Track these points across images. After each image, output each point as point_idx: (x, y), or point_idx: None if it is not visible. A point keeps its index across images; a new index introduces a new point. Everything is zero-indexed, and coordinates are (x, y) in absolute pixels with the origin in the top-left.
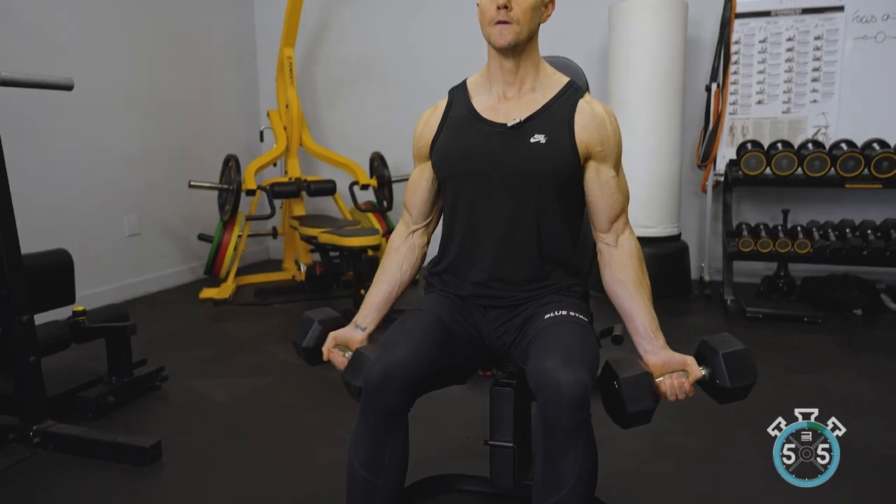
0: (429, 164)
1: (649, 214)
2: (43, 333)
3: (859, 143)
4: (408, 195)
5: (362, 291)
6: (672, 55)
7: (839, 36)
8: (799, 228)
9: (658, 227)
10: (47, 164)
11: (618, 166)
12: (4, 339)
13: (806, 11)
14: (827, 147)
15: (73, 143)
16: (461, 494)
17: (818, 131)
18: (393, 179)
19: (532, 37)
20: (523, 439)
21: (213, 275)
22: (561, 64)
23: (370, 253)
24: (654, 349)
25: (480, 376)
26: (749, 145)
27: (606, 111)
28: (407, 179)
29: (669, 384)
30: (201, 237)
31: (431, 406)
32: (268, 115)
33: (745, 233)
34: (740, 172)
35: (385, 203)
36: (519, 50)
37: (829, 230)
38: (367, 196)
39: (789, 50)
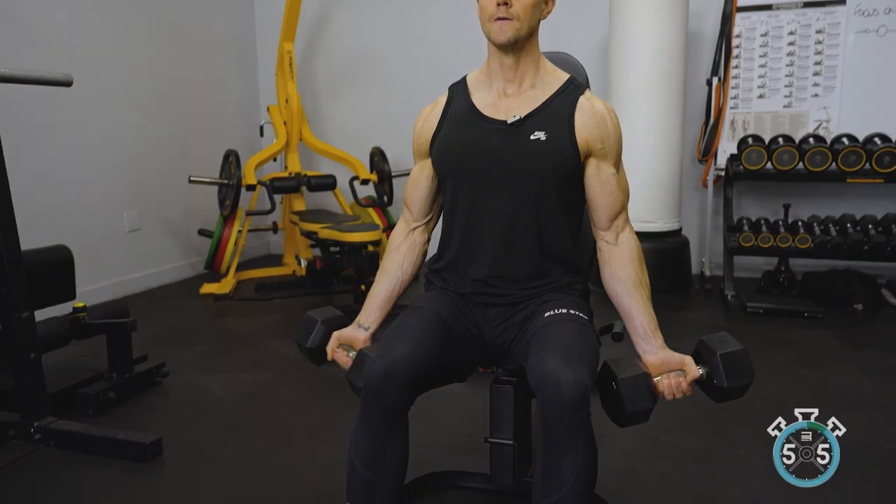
0: (429, 161)
1: (650, 209)
2: (43, 330)
3: (861, 138)
4: (408, 192)
5: (363, 287)
6: (673, 49)
7: (841, 29)
8: (800, 223)
9: (659, 222)
10: (47, 159)
11: (618, 163)
12: (5, 336)
13: (807, 5)
14: (828, 141)
15: (73, 138)
16: (461, 491)
17: (819, 125)
18: (393, 174)
19: (532, 33)
20: (523, 436)
21: (213, 270)
22: (561, 59)
23: (370, 248)
24: (652, 349)
25: (481, 373)
26: (750, 140)
27: (607, 108)
28: (407, 174)
29: (667, 384)
30: (201, 232)
31: (432, 403)
32: (268, 109)
33: (745, 228)
34: (741, 167)
35: (385, 198)
36: (519, 46)
37: (830, 225)
38: (368, 191)
39: (791, 44)
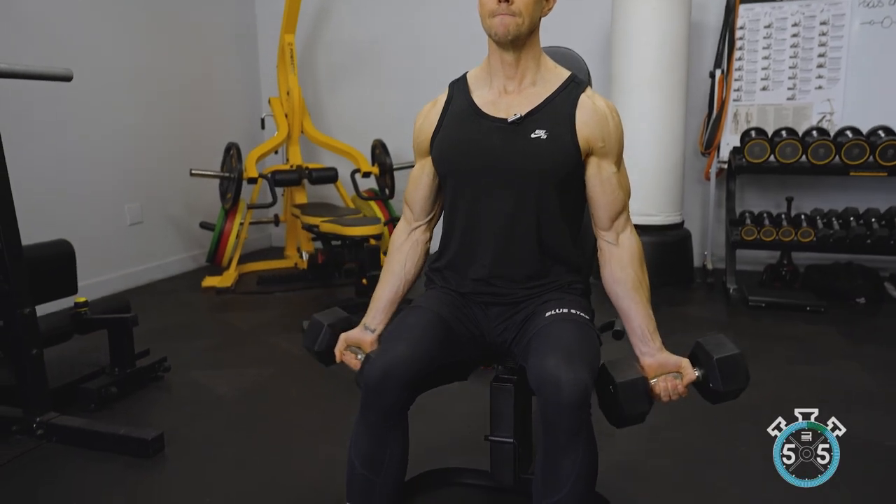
0: (429, 160)
1: (652, 202)
2: (45, 325)
3: (864, 130)
4: (409, 191)
5: (364, 281)
6: (676, 41)
7: (845, 21)
8: (803, 217)
9: (661, 215)
10: (48, 154)
11: (619, 162)
12: (6, 333)
13: None
14: (832, 134)
15: (74, 132)
16: (462, 488)
17: (823, 118)
18: (395, 167)
19: (533, 30)
20: (524, 434)
21: (215, 263)
22: (562, 54)
23: (372, 242)
24: (650, 351)
25: (482, 370)
26: (753, 133)
27: (608, 106)
28: (409, 167)
29: (663, 386)
30: (203, 225)
31: (433, 399)
32: (269, 102)
33: (748, 221)
34: (744, 160)
35: (387, 191)
36: (520, 43)
37: (833, 218)
38: (369, 183)
39: (794, 35)
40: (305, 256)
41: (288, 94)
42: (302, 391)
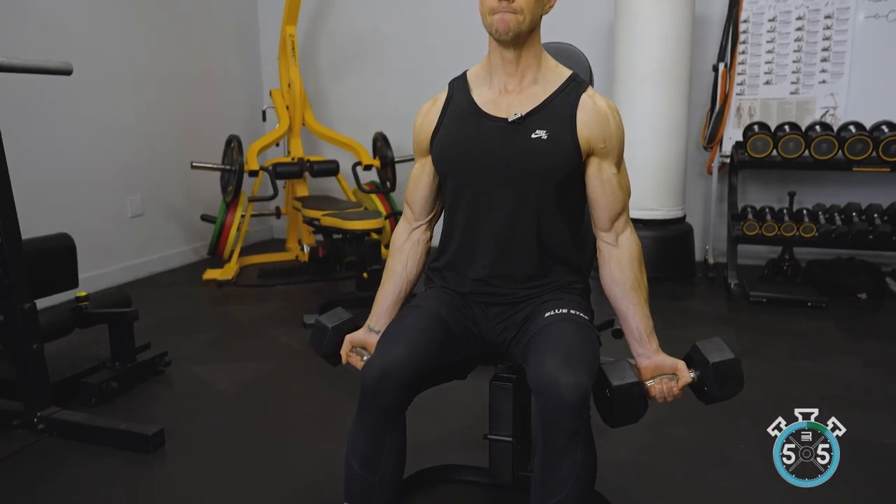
0: (429, 159)
1: (654, 196)
2: (45, 319)
3: (868, 125)
4: (409, 191)
5: (365, 275)
6: (679, 33)
7: (850, 14)
8: (805, 212)
9: (663, 210)
10: (49, 146)
11: (620, 163)
12: (7, 327)
13: None
14: (835, 129)
15: (75, 124)
16: (460, 485)
17: (826, 112)
18: (396, 160)
19: (534, 27)
20: (523, 432)
21: (216, 255)
22: (564, 50)
23: (373, 236)
24: (647, 352)
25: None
26: (756, 127)
27: (609, 106)
28: (410, 160)
29: (659, 388)
30: (204, 218)
31: (431, 396)
32: (270, 94)
33: (750, 216)
34: (746, 155)
35: (388, 184)
36: (520, 41)
37: (836, 214)
38: (371, 176)
39: (798, 29)
40: (307, 249)
41: (289, 86)
42: (302, 385)
